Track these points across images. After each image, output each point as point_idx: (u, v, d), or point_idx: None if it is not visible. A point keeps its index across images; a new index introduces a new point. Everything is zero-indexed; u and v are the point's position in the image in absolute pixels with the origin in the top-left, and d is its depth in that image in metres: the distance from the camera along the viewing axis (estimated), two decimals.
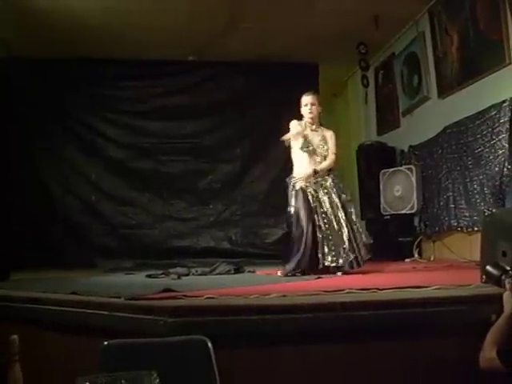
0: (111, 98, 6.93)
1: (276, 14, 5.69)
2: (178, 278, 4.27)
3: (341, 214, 4.23)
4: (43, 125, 6.68)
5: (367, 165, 6.66)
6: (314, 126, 4.47)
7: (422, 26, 5.80)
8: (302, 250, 4.16)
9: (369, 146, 6.80)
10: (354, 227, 4.25)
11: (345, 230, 4.19)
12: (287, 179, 4.48)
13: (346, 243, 4.16)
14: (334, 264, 4.14)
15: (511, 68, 4.39)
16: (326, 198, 4.28)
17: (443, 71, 5.47)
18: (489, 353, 1.98)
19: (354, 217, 4.27)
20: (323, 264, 4.15)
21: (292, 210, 4.33)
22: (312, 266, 4.16)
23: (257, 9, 5.57)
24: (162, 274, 4.51)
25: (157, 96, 6.98)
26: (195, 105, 6.96)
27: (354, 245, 4.18)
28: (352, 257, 4.15)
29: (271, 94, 6.97)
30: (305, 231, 4.19)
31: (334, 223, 4.22)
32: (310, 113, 4.43)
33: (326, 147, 4.42)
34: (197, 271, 4.74)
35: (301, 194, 4.30)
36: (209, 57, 6.69)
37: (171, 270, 4.58)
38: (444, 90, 5.48)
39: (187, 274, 4.57)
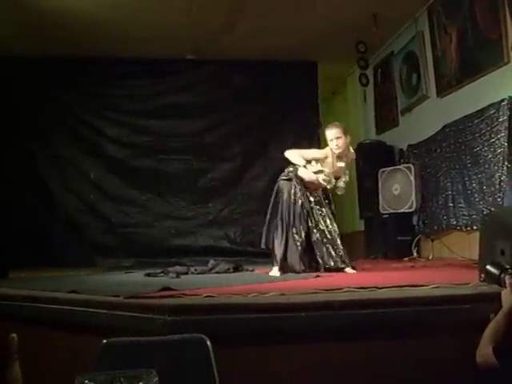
0: (111, 97, 6.94)
1: (275, 13, 5.69)
2: (177, 276, 4.27)
3: (330, 226, 4.27)
4: (43, 123, 6.69)
5: (366, 163, 6.65)
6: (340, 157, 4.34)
7: (421, 24, 5.81)
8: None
9: (367, 144, 6.81)
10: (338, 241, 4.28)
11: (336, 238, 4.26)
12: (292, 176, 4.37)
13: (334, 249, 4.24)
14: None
15: (510, 67, 4.39)
16: (316, 208, 4.30)
17: (442, 70, 5.47)
18: (485, 348, 1.97)
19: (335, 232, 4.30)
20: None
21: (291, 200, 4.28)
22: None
23: (256, 7, 5.57)
24: (161, 272, 4.51)
25: (156, 94, 6.98)
26: (195, 103, 6.97)
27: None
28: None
29: (271, 92, 6.99)
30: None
31: (326, 232, 4.27)
32: (338, 147, 4.26)
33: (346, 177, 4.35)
34: (196, 270, 4.74)
35: (302, 194, 4.29)
36: (208, 55, 6.69)
37: (170, 269, 4.59)
38: (443, 89, 5.48)
39: (186, 273, 4.57)
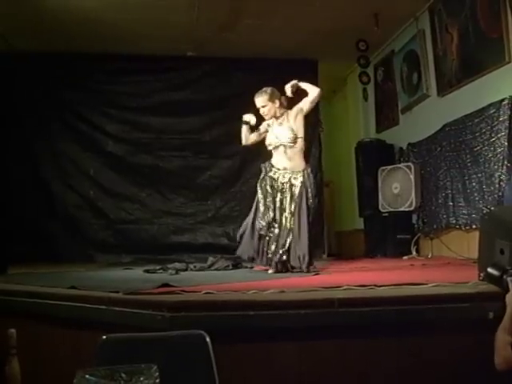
0: (111, 93, 6.92)
1: (276, 11, 5.68)
2: (176, 273, 4.27)
3: (294, 218, 4.18)
4: (42, 119, 6.68)
5: (366, 162, 6.66)
6: (279, 120, 4.40)
7: (422, 23, 5.80)
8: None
9: (368, 143, 6.81)
10: (302, 234, 4.15)
11: (290, 234, 4.17)
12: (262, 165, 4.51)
13: (286, 245, 4.14)
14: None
15: (511, 66, 4.39)
16: (288, 196, 4.26)
17: (443, 69, 5.47)
18: (504, 352, 1.91)
19: (303, 223, 4.16)
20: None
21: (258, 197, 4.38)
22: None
23: (257, 4, 5.57)
24: (160, 269, 4.52)
25: (156, 91, 6.96)
26: (195, 100, 6.95)
27: (291, 250, 4.15)
28: (280, 258, 4.14)
29: None
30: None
31: (285, 222, 4.20)
32: (265, 115, 4.42)
33: (291, 133, 4.31)
34: (195, 267, 4.75)
35: (268, 184, 4.34)
36: (208, 52, 6.68)
37: (169, 266, 4.59)
38: (443, 88, 5.48)
39: (185, 270, 4.58)
